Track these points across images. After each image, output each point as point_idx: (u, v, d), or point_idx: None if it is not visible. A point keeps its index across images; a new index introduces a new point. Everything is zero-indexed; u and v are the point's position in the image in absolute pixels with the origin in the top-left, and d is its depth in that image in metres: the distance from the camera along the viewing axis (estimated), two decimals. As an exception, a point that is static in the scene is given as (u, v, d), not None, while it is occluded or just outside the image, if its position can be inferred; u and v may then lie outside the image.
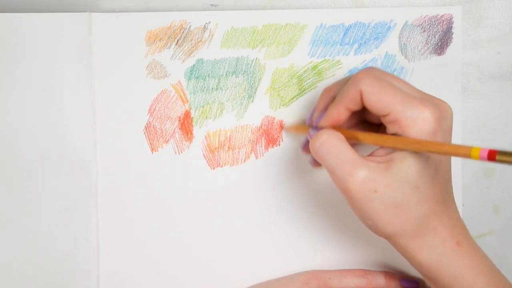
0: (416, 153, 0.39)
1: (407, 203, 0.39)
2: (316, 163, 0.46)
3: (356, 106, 0.41)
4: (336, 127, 0.42)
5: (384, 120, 0.40)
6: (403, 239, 0.40)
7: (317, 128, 0.43)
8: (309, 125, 0.46)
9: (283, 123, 0.51)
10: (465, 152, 0.36)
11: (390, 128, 0.40)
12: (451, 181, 0.42)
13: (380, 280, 0.49)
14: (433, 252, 0.40)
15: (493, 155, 0.34)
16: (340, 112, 0.42)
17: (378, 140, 0.40)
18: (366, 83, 0.40)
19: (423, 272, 0.42)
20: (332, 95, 0.44)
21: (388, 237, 0.41)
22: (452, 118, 0.41)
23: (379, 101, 0.39)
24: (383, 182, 0.39)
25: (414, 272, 0.51)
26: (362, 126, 0.45)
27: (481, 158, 0.34)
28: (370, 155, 0.41)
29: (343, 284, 0.49)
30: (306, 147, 0.47)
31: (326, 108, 0.44)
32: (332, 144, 0.40)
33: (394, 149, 0.40)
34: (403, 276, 0.50)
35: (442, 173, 0.40)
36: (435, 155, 0.39)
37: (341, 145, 0.40)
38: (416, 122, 0.38)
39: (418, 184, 0.39)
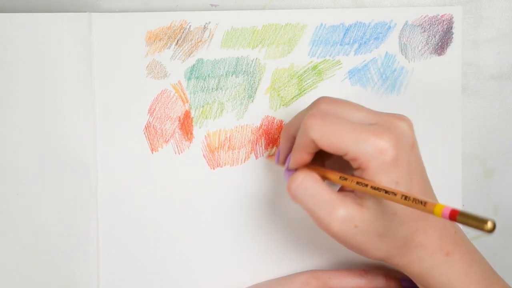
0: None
1: (388, 230, 0.40)
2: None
3: (315, 149, 0.41)
4: (309, 166, 0.43)
5: (346, 159, 0.40)
6: (393, 260, 0.41)
7: (287, 172, 0.44)
8: (279, 165, 0.47)
9: (283, 123, 0.51)
10: (429, 209, 0.35)
11: (353, 164, 0.40)
12: (430, 187, 0.42)
13: (380, 280, 0.49)
14: (423, 266, 0.41)
15: (454, 215, 0.34)
16: (303, 156, 0.42)
17: (344, 182, 0.40)
18: (315, 130, 0.39)
19: (418, 282, 0.43)
20: (291, 133, 0.44)
21: (377, 259, 0.42)
22: (412, 131, 0.40)
23: (333, 145, 0.39)
24: (361, 217, 0.39)
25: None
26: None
27: (443, 216, 0.34)
28: (343, 190, 0.42)
29: (343, 284, 0.49)
30: (278, 161, 0.47)
31: (289, 150, 0.45)
32: (307, 186, 0.40)
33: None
34: (403, 276, 0.50)
35: (417, 190, 0.40)
36: (402, 176, 0.39)
37: (317, 186, 0.40)
38: (374, 157, 0.38)
39: (395, 210, 0.39)
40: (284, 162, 0.46)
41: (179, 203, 0.51)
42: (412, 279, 0.43)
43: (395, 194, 0.37)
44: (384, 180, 0.38)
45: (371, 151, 0.38)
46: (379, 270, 0.50)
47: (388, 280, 0.50)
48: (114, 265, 0.50)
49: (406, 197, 0.36)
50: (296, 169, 0.43)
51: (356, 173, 0.40)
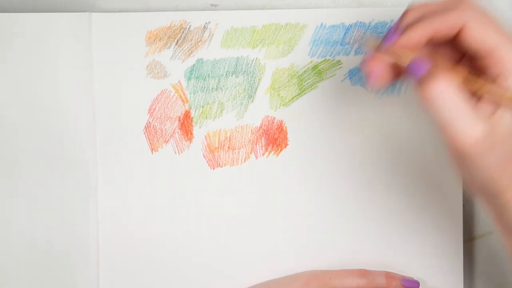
0: None
1: None
2: (376, 82, 0.40)
3: (446, 36, 0.37)
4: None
5: (481, 62, 0.37)
6: (509, 192, 0.36)
7: (416, 61, 0.37)
8: (381, 46, 0.39)
9: (283, 123, 0.51)
10: None
11: (490, 69, 0.36)
12: None
13: (381, 280, 0.49)
14: None
15: None
16: (423, 36, 0.37)
17: (488, 90, 0.37)
18: (474, 16, 0.36)
19: None
20: (420, 16, 0.38)
21: (495, 193, 0.37)
22: None
23: (484, 37, 0.36)
24: (500, 136, 0.36)
25: (415, 272, 0.51)
26: None
27: None
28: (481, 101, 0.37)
29: (343, 284, 0.49)
30: (368, 62, 0.39)
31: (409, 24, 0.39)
32: (449, 97, 0.36)
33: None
34: (403, 276, 0.50)
35: None
36: None
37: (459, 98, 0.36)
38: None
39: None
40: (390, 36, 0.39)
41: (179, 203, 0.51)
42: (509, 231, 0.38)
43: None
44: None
45: None
46: (380, 270, 0.50)
47: (389, 280, 0.49)
48: (114, 265, 0.50)
49: None
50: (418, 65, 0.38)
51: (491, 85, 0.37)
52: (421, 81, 0.37)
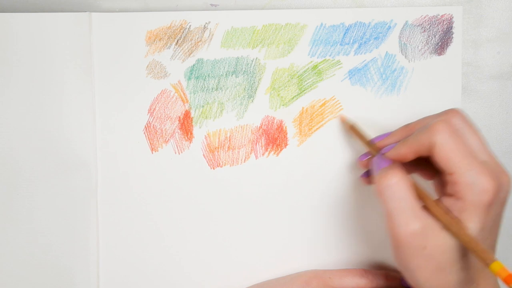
0: (472, 220, 0.39)
1: (450, 267, 0.39)
2: (367, 181, 0.47)
3: (424, 153, 0.41)
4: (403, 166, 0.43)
5: (445, 177, 0.40)
6: None
7: (381, 158, 0.43)
8: (373, 145, 0.46)
9: (283, 123, 0.51)
10: (486, 260, 0.37)
11: (450, 187, 0.40)
12: (495, 247, 0.42)
13: (381, 280, 0.49)
14: None
15: (509, 280, 0.35)
16: (408, 152, 0.42)
17: (431, 204, 0.41)
18: (442, 136, 0.40)
19: None
20: (412, 130, 0.44)
21: None
22: (510, 190, 0.41)
23: (448, 160, 0.40)
24: (434, 241, 0.39)
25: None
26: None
27: (497, 275, 0.36)
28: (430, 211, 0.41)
29: (343, 284, 0.49)
30: (363, 162, 0.48)
31: (397, 140, 0.45)
32: (399, 190, 0.40)
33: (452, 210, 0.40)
34: (403, 276, 0.50)
35: (489, 243, 0.41)
36: (487, 224, 0.40)
37: (407, 193, 0.40)
38: (475, 192, 0.39)
39: (466, 251, 0.40)
40: (384, 147, 0.45)
41: (179, 203, 0.51)
42: None
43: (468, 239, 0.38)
44: (473, 219, 0.39)
45: (476, 185, 0.39)
46: (380, 269, 0.50)
47: (389, 280, 0.49)
48: (114, 265, 0.50)
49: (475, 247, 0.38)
50: (386, 162, 0.43)
51: (446, 199, 0.41)
52: (379, 175, 0.41)
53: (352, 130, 0.49)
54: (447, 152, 0.40)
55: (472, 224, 0.39)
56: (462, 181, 0.39)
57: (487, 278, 0.41)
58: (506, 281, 0.35)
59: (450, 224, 0.39)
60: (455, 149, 0.40)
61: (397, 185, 0.40)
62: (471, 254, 0.40)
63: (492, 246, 0.42)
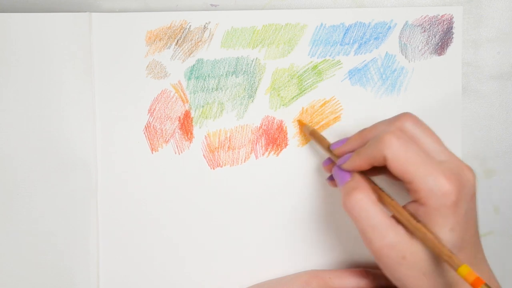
0: (443, 223, 0.39)
1: (434, 271, 0.40)
2: (333, 184, 0.47)
3: (379, 164, 0.41)
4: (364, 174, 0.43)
5: (405, 185, 0.40)
6: None
7: (341, 169, 0.44)
8: (332, 152, 0.46)
9: (283, 123, 0.51)
10: (453, 264, 0.37)
11: (412, 195, 0.40)
12: (479, 239, 0.42)
13: (381, 280, 0.49)
14: None
15: (477, 284, 0.35)
16: (363, 164, 0.42)
17: (397, 212, 0.41)
18: (390, 149, 0.40)
19: None
20: (366, 137, 0.44)
21: None
22: (475, 183, 0.41)
23: (402, 170, 0.40)
24: (411, 250, 0.39)
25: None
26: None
27: (464, 279, 0.36)
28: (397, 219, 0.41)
29: (343, 284, 0.49)
30: (327, 166, 0.48)
31: (354, 148, 0.44)
32: (364, 207, 0.40)
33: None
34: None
35: (468, 237, 0.40)
36: (458, 227, 0.40)
37: (373, 208, 0.40)
38: (437, 197, 0.39)
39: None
40: (341, 155, 0.45)
41: (179, 203, 0.51)
42: None
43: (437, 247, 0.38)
44: (440, 222, 0.39)
45: (436, 190, 0.39)
46: (380, 270, 0.50)
47: (389, 280, 0.49)
48: (114, 265, 0.50)
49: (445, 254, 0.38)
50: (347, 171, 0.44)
51: (411, 205, 0.41)
52: (344, 191, 0.42)
53: (312, 135, 0.49)
54: (401, 164, 0.40)
55: (439, 228, 0.39)
56: (422, 188, 0.39)
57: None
58: (473, 285, 0.35)
59: (416, 231, 0.39)
60: (408, 158, 0.40)
61: (362, 203, 0.40)
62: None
63: (473, 242, 0.41)
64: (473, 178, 0.41)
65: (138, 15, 0.50)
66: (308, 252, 0.51)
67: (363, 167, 0.43)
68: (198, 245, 0.51)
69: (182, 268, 0.51)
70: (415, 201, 0.40)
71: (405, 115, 0.42)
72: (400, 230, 0.40)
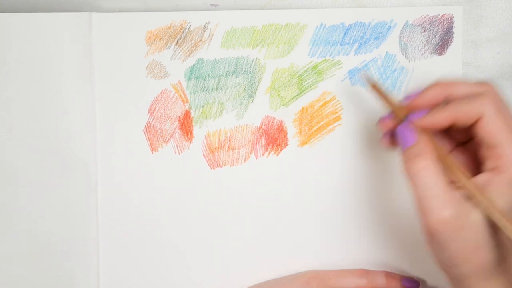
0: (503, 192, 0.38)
1: (486, 244, 0.38)
2: (387, 143, 0.45)
3: (464, 124, 0.40)
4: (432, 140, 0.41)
5: (484, 151, 0.39)
6: (470, 280, 0.39)
7: (407, 129, 0.41)
8: (400, 107, 0.43)
9: (283, 123, 0.51)
10: None
11: (490, 162, 0.39)
12: None
13: (381, 280, 0.49)
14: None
15: None
16: (446, 121, 0.40)
17: (463, 179, 0.39)
18: (492, 108, 0.39)
19: None
20: (444, 92, 0.42)
21: (458, 276, 0.40)
22: None
23: (493, 132, 0.39)
24: (469, 222, 0.38)
25: (414, 272, 0.51)
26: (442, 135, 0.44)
27: None
28: (460, 187, 0.40)
29: (343, 284, 0.49)
30: (385, 122, 0.44)
31: (429, 102, 0.42)
32: (429, 175, 0.39)
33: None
34: (403, 276, 0.50)
35: None
36: None
37: (437, 178, 0.39)
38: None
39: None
40: (415, 108, 0.42)
41: (179, 203, 0.51)
42: None
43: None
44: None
45: None
46: (380, 270, 0.50)
47: (389, 280, 0.49)
48: (114, 265, 0.50)
49: None
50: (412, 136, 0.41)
51: (481, 176, 0.39)
52: (407, 155, 0.40)
53: (374, 88, 0.45)
54: (495, 125, 0.38)
55: (509, 198, 0.38)
56: (507, 154, 0.38)
57: None
58: None
59: (483, 202, 0.38)
60: (504, 121, 0.39)
61: (426, 171, 0.39)
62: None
63: None
64: None
65: (138, 15, 0.50)
66: (308, 252, 0.51)
67: (443, 124, 0.40)
68: (198, 245, 0.51)
69: (182, 268, 0.51)
70: (493, 169, 0.39)
71: (491, 84, 0.41)
72: (460, 202, 0.38)
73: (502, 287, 0.39)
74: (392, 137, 0.44)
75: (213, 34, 0.50)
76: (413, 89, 0.44)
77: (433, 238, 0.39)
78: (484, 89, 0.40)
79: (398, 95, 0.51)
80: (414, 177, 0.39)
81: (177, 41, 0.50)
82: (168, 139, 0.50)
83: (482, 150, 0.40)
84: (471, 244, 0.38)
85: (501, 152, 0.39)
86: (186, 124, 0.50)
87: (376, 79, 0.49)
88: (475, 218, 0.38)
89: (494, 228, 0.39)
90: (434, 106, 0.41)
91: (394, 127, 0.43)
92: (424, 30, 0.51)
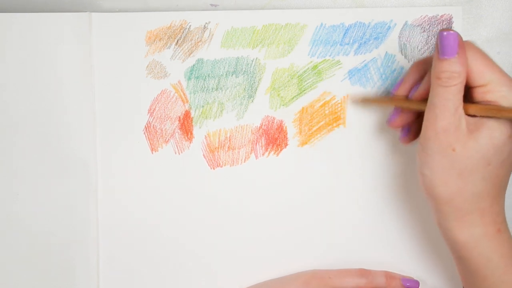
0: (501, 128, 0.40)
1: (471, 175, 0.40)
2: (406, 139, 0.47)
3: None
4: None
5: (477, 91, 0.41)
6: (447, 207, 0.41)
7: (454, 35, 0.41)
8: (393, 97, 0.47)
9: (283, 123, 0.51)
10: None
11: (483, 97, 0.41)
12: (510, 173, 0.43)
13: (381, 279, 0.49)
14: (472, 232, 0.41)
15: None
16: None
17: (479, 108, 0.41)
18: (473, 52, 0.41)
19: (456, 248, 0.42)
20: (424, 68, 0.45)
21: (434, 198, 0.42)
22: None
23: (481, 71, 0.40)
24: (465, 143, 0.40)
25: (414, 272, 0.51)
26: None
27: None
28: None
29: (343, 284, 0.49)
30: (393, 121, 0.47)
31: (413, 82, 0.45)
32: (453, 91, 0.40)
33: (484, 117, 0.41)
34: (403, 276, 0.50)
35: (510, 161, 0.41)
36: None
37: (458, 95, 0.41)
38: (508, 100, 0.40)
39: (491, 160, 0.40)
40: (402, 92, 0.46)
41: (179, 203, 0.51)
42: (451, 246, 0.43)
43: None
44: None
45: (510, 92, 0.40)
46: (380, 270, 0.50)
47: (389, 280, 0.49)
48: (114, 265, 0.50)
49: None
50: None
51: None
52: (445, 66, 0.40)
53: (365, 101, 0.50)
54: (479, 65, 0.41)
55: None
56: (498, 89, 0.40)
57: (501, 196, 0.42)
58: None
59: (491, 108, 0.40)
60: (485, 62, 0.41)
61: (454, 88, 0.40)
62: (495, 164, 0.40)
63: (509, 170, 0.42)
64: None
65: (138, 15, 0.50)
66: (308, 252, 0.51)
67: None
68: (198, 245, 0.51)
69: (182, 268, 0.51)
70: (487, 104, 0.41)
71: (469, 41, 0.42)
72: (463, 123, 0.40)
73: (481, 233, 0.41)
74: (410, 132, 0.47)
75: (213, 34, 0.50)
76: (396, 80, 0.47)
77: (427, 146, 0.41)
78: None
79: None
80: (441, 86, 0.41)
81: (177, 41, 0.50)
82: (168, 139, 0.50)
83: (472, 92, 0.41)
84: (456, 167, 0.40)
85: (490, 88, 0.41)
86: (186, 124, 0.50)
87: (359, 93, 0.50)
88: (470, 145, 0.40)
89: (486, 161, 0.40)
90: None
91: (405, 123, 0.46)
92: (424, 31, 0.51)
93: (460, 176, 0.40)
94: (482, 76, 0.41)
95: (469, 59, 0.41)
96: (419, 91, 0.44)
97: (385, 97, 0.50)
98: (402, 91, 0.47)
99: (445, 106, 0.40)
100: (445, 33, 0.40)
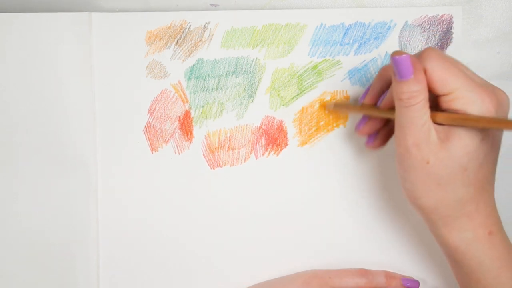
0: (472, 134, 0.40)
1: (450, 183, 0.40)
2: (372, 145, 0.47)
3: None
4: None
5: (441, 102, 0.40)
6: (433, 215, 0.41)
7: (407, 58, 0.41)
8: (362, 105, 0.46)
9: (283, 123, 0.51)
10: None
11: (450, 105, 0.40)
12: (495, 171, 0.42)
13: (381, 279, 0.49)
14: (462, 236, 0.41)
15: None
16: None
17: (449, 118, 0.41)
18: (432, 61, 0.40)
19: (449, 253, 0.43)
20: (389, 75, 0.44)
21: (419, 208, 0.42)
22: (509, 107, 0.41)
23: (443, 80, 0.40)
24: (437, 156, 0.40)
25: (414, 272, 0.51)
26: None
27: None
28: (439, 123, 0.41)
29: (343, 284, 0.49)
30: (361, 128, 0.47)
31: (380, 90, 0.45)
32: (420, 109, 0.40)
33: (453, 126, 0.40)
34: (403, 276, 0.50)
35: (489, 160, 0.41)
36: (487, 138, 0.40)
37: (426, 114, 0.40)
38: (478, 105, 0.39)
39: (467, 166, 0.40)
40: (373, 101, 0.46)
41: (179, 203, 0.51)
42: (445, 250, 0.43)
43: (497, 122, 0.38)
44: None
45: (476, 99, 0.39)
46: (380, 269, 0.50)
47: (389, 280, 0.49)
48: (114, 265, 0.50)
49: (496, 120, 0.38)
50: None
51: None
52: (404, 87, 0.40)
53: (335, 109, 0.50)
54: (441, 73, 0.40)
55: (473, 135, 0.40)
56: (464, 96, 0.39)
57: (487, 198, 0.42)
58: None
59: (461, 117, 0.40)
60: (448, 70, 0.40)
61: (418, 105, 0.40)
62: (472, 169, 0.40)
63: (491, 168, 0.42)
64: (507, 100, 0.41)
65: (138, 15, 0.50)
66: (308, 252, 0.51)
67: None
68: (198, 245, 0.51)
69: (182, 268, 0.51)
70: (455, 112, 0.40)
71: (431, 47, 0.42)
72: (433, 135, 0.40)
73: (471, 237, 0.41)
74: (376, 138, 0.47)
75: (213, 34, 0.50)
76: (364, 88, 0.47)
77: (403, 162, 0.41)
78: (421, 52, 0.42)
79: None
80: (404, 107, 0.40)
81: (177, 41, 0.50)
82: (168, 139, 0.50)
83: (439, 101, 0.41)
84: (434, 178, 0.40)
85: (456, 95, 0.40)
86: (186, 124, 0.50)
87: (330, 102, 0.51)
88: (444, 155, 0.40)
89: (462, 167, 0.40)
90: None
91: (373, 130, 0.47)
92: (424, 30, 0.51)
93: (439, 186, 0.40)
94: (446, 84, 0.40)
95: (431, 70, 0.40)
96: (386, 100, 0.44)
97: (355, 105, 0.49)
98: (369, 99, 0.46)
99: (412, 123, 0.40)
100: (397, 57, 0.40)
